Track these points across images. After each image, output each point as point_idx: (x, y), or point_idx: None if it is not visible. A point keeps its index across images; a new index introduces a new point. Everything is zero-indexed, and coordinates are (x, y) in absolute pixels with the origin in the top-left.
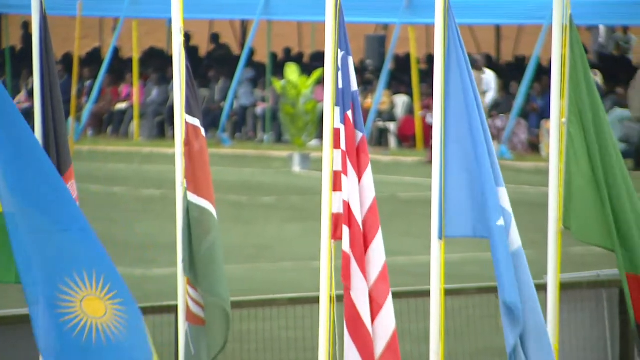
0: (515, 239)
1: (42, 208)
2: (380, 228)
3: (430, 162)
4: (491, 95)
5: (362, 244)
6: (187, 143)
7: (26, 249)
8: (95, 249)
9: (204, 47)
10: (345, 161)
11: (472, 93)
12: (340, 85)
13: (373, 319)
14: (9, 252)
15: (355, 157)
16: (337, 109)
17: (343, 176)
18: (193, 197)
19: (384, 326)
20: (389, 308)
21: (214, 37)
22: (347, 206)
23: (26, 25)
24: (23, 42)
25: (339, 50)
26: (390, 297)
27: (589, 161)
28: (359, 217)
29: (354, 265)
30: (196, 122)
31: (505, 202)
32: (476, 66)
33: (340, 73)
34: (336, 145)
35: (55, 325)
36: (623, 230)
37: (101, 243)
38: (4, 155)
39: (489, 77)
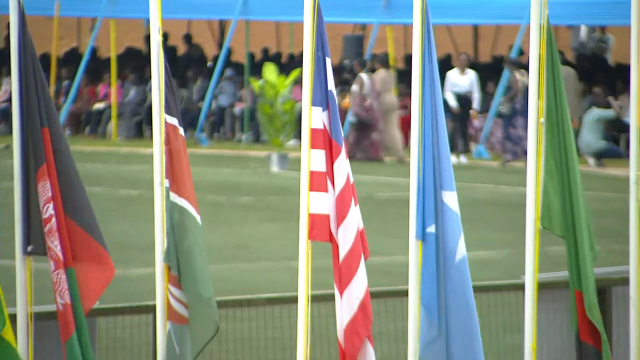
0: (462, 247)
1: None
2: (352, 205)
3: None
4: (477, 96)
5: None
6: (167, 142)
7: None
8: None
9: (182, 47)
10: (329, 162)
11: (434, 93)
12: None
13: (343, 289)
14: None
15: (330, 157)
16: (316, 109)
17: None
18: (175, 197)
19: (355, 292)
20: (360, 275)
21: (187, 38)
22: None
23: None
24: (6, 42)
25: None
26: (362, 263)
27: (557, 161)
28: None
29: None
30: (175, 121)
31: (454, 206)
32: (460, 66)
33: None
34: (316, 145)
35: None
36: (578, 244)
37: None
38: None
39: (472, 77)
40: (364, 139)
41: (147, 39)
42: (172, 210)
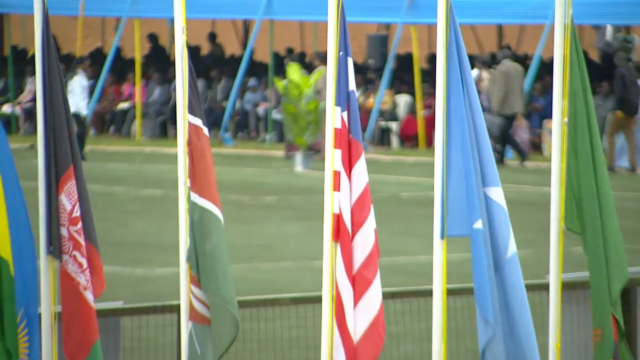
0: (513, 243)
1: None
2: (371, 213)
3: None
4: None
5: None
6: (190, 143)
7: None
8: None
9: (206, 47)
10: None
11: (469, 92)
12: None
13: (357, 301)
14: None
15: (348, 157)
16: (337, 109)
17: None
18: (196, 198)
19: (369, 306)
20: (375, 288)
21: (211, 37)
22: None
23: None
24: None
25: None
26: (377, 277)
27: (581, 162)
28: (348, 220)
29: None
30: (198, 121)
31: (501, 202)
32: (485, 65)
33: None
34: (336, 145)
35: None
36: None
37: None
38: None
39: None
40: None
41: (172, 38)
42: (192, 210)
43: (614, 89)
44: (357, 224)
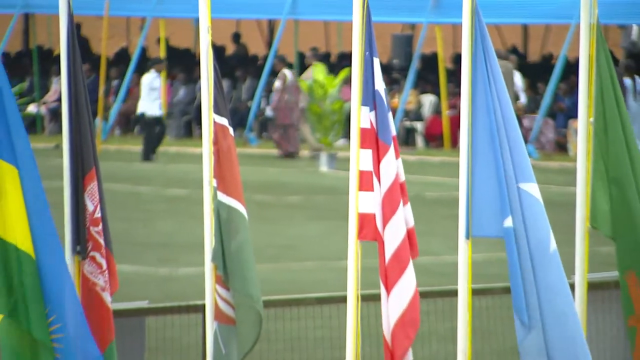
0: (553, 240)
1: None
2: (400, 204)
3: None
4: (522, 97)
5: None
6: (216, 142)
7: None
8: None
9: (231, 47)
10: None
11: (497, 91)
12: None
13: (390, 288)
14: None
15: (377, 157)
16: (365, 109)
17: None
18: (223, 197)
19: (404, 292)
20: (409, 274)
21: (235, 37)
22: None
23: (78, 27)
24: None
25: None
26: (410, 263)
27: (614, 160)
28: (379, 220)
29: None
30: (224, 121)
31: (538, 196)
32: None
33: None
34: (364, 144)
35: None
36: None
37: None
38: None
39: (518, 78)
40: (291, 132)
41: (197, 38)
42: (219, 209)
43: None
44: (385, 222)
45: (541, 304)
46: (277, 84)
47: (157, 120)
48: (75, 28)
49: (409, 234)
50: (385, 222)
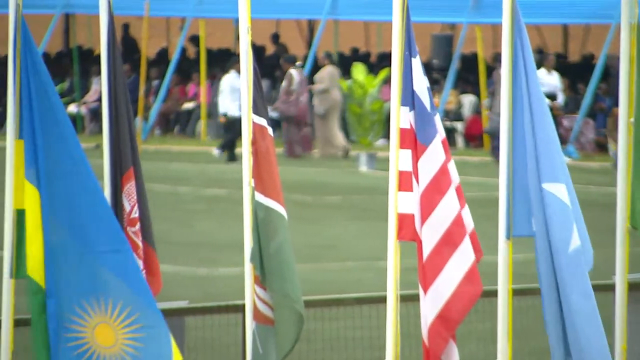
0: (576, 237)
1: (79, 225)
2: (463, 206)
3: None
4: (560, 97)
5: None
6: (254, 142)
7: (56, 261)
8: (121, 273)
9: (270, 47)
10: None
11: (533, 91)
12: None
13: (427, 287)
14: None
15: (416, 157)
16: (405, 109)
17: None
18: (260, 197)
19: (441, 291)
20: (447, 274)
21: (274, 37)
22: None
23: (126, 27)
24: (123, 43)
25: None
26: (453, 263)
27: None
28: (418, 220)
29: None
30: (263, 121)
31: (562, 196)
32: (546, 66)
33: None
34: (404, 145)
35: (62, 349)
36: None
37: (136, 264)
38: (51, 165)
39: (557, 78)
40: (296, 134)
41: (237, 38)
42: (257, 209)
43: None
44: (422, 221)
45: (561, 305)
46: (284, 84)
47: (238, 121)
48: (114, 28)
49: (471, 237)
50: (422, 221)
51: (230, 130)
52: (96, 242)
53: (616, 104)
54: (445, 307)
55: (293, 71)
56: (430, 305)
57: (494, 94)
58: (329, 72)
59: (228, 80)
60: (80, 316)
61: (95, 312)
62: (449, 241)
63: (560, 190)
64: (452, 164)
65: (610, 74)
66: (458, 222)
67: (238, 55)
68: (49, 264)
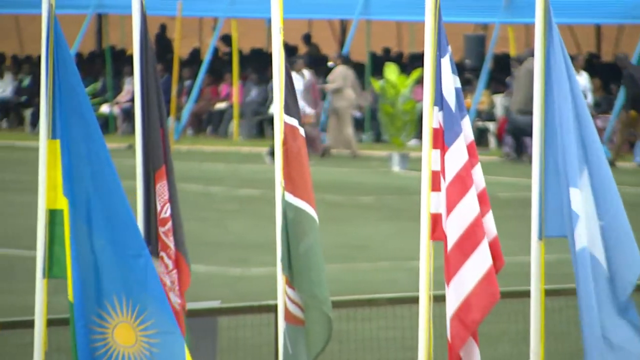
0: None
1: (103, 227)
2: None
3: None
4: (589, 97)
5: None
6: (285, 143)
7: (84, 261)
8: (141, 277)
9: (303, 47)
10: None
11: (569, 92)
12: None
13: (450, 279)
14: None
15: (443, 157)
16: (435, 109)
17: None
18: (290, 198)
19: (464, 284)
20: (469, 268)
21: (306, 37)
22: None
23: (163, 28)
24: (157, 44)
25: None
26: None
27: None
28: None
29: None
30: (294, 122)
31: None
32: (575, 66)
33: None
34: (435, 145)
35: (87, 350)
36: None
37: (154, 270)
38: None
39: (586, 78)
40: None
41: (269, 38)
42: (287, 209)
43: (626, 88)
44: (448, 210)
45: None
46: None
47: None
48: (147, 28)
49: (493, 244)
50: (446, 216)
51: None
52: (119, 244)
53: None
54: (464, 304)
55: (305, 71)
56: (453, 300)
57: (512, 93)
58: (340, 72)
59: None
60: (102, 317)
61: (116, 313)
62: (469, 240)
63: (576, 196)
64: (477, 168)
65: None
66: (477, 223)
67: (298, 55)
68: (74, 264)
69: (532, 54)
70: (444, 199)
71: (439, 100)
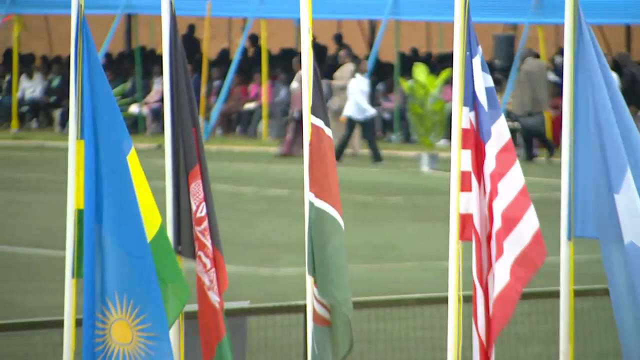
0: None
1: (115, 226)
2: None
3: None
4: None
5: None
6: (311, 144)
7: (94, 259)
8: (144, 279)
9: (332, 47)
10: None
11: (606, 92)
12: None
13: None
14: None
15: (480, 158)
16: (465, 109)
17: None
18: (314, 199)
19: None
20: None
21: (337, 38)
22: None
23: (192, 28)
24: (186, 44)
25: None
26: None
27: None
28: (476, 221)
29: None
30: (320, 122)
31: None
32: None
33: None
34: (464, 145)
35: (91, 345)
36: None
37: (155, 275)
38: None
39: (615, 78)
40: (299, 133)
41: (298, 39)
42: (310, 210)
43: (624, 85)
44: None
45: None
46: (294, 85)
47: (367, 121)
48: (177, 28)
49: (536, 237)
50: (492, 224)
51: (370, 132)
52: (126, 244)
53: None
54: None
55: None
56: (499, 278)
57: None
58: (349, 69)
59: (355, 83)
60: (103, 314)
61: (115, 310)
62: (518, 204)
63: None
64: (517, 166)
65: None
66: (524, 192)
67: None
68: (86, 262)
69: (530, 54)
70: (476, 202)
71: (470, 101)
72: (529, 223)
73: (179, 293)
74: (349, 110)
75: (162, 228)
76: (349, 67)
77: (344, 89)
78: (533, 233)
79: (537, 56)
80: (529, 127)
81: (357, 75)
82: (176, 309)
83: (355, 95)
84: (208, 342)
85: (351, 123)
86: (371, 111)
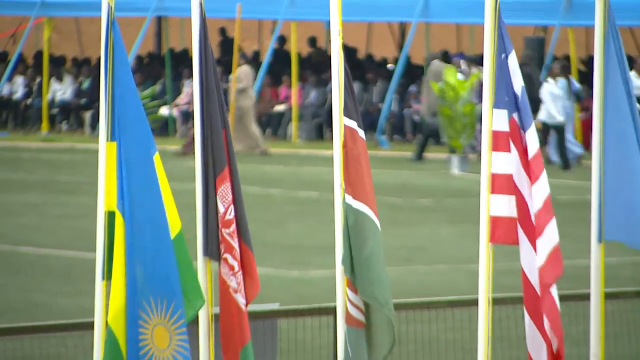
0: None
1: (143, 225)
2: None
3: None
4: None
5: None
6: (345, 145)
7: (134, 258)
8: (170, 275)
9: (362, 49)
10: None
11: (632, 95)
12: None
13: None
14: None
15: (526, 158)
16: (499, 112)
17: (515, 177)
18: (350, 200)
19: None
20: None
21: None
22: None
23: (223, 31)
24: (222, 46)
25: (498, 52)
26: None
27: None
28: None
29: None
30: (353, 124)
31: None
32: (636, 69)
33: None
34: (495, 147)
35: (135, 348)
36: None
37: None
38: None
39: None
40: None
41: (328, 41)
42: (347, 212)
43: None
44: (535, 226)
45: None
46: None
47: (559, 127)
48: (207, 30)
49: (554, 252)
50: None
51: (561, 137)
52: (157, 245)
53: None
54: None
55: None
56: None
57: None
58: (245, 71)
59: (548, 88)
60: (142, 319)
61: (154, 313)
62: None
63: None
64: (543, 176)
65: None
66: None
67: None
68: (128, 264)
69: (436, 57)
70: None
71: (512, 102)
72: (550, 237)
73: (194, 300)
74: (542, 115)
75: (181, 234)
76: (244, 68)
77: (243, 91)
78: (552, 248)
79: (446, 59)
80: (432, 127)
81: (549, 79)
82: (189, 315)
83: (547, 100)
84: (232, 346)
85: (545, 128)
86: (559, 118)
